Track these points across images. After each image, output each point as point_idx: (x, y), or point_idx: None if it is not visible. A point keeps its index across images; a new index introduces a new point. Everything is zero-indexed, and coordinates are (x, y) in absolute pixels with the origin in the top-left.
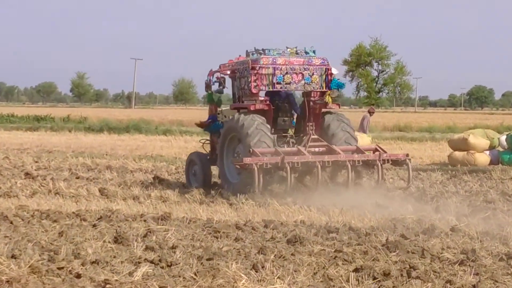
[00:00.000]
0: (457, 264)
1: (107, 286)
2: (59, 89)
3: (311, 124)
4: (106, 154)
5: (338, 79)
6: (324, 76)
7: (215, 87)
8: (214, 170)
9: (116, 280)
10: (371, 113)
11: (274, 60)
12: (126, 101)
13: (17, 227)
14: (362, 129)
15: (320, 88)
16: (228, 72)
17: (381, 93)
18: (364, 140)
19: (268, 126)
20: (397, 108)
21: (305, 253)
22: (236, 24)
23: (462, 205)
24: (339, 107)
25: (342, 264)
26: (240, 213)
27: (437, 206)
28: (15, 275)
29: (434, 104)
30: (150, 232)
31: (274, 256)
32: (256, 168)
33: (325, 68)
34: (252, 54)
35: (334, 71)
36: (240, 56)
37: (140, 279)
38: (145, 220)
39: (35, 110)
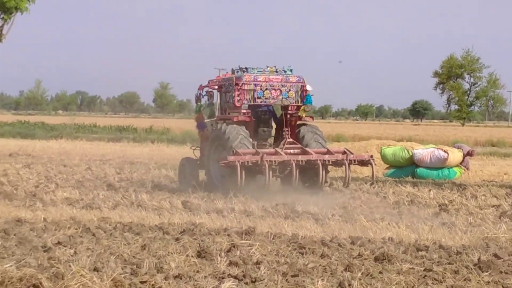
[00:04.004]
0: None
1: None
2: (142, 99)
3: (287, 129)
4: None
5: (312, 95)
6: (299, 92)
7: (204, 100)
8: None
9: None
10: (470, 154)
11: (256, 78)
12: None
13: (100, 239)
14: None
15: (296, 103)
16: (216, 87)
17: (472, 107)
18: (455, 154)
19: (248, 132)
20: (489, 123)
21: (394, 271)
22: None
23: None
24: (313, 120)
25: (432, 283)
26: (326, 229)
27: None
28: None
29: None
30: (234, 247)
31: (361, 274)
32: (238, 165)
33: (301, 85)
34: (237, 72)
35: (308, 88)
36: (226, 73)
37: None
38: (229, 235)
39: (117, 121)
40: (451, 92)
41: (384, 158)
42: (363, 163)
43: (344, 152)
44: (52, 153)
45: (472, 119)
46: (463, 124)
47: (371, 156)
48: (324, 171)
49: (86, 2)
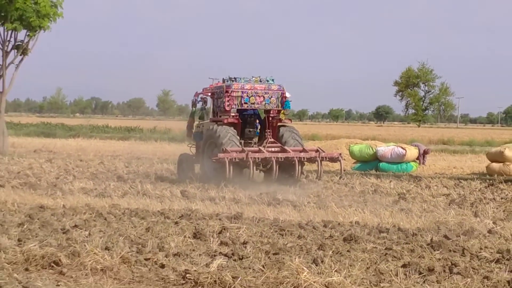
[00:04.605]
0: (493, 262)
1: (187, 275)
2: (147, 104)
3: (269, 131)
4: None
5: (290, 101)
6: (280, 99)
7: (199, 104)
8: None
9: (195, 270)
10: (426, 152)
11: (243, 86)
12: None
13: (110, 223)
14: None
15: (276, 107)
16: (209, 94)
17: (427, 111)
18: (412, 151)
19: (236, 131)
20: (441, 124)
21: (359, 250)
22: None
23: (499, 210)
24: (291, 121)
25: (392, 260)
26: (302, 214)
27: (476, 211)
28: (108, 264)
29: (474, 121)
30: (224, 229)
31: (332, 252)
32: (227, 161)
33: (281, 93)
34: (227, 81)
35: (287, 95)
36: (218, 82)
37: (215, 270)
38: (220, 219)
39: (126, 122)
40: (409, 99)
41: (352, 154)
42: (332, 159)
43: (317, 151)
44: (70, 149)
45: (427, 121)
46: (419, 126)
47: (340, 154)
48: (300, 166)
49: (100, 22)
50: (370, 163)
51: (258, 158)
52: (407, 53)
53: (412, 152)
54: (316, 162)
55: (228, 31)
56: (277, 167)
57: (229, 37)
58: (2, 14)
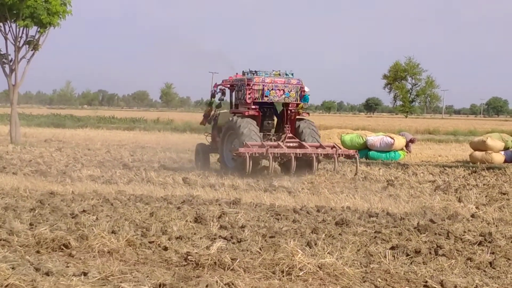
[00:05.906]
0: (476, 244)
1: (189, 257)
2: (151, 96)
3: (288, 126)
4: (189, 150)
5: (309, 95)
6: (299, 92)
7: (218, 96)
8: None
9: (196, 253)
10: (412, 141)
11: (264, 79)
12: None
13: (116, 208)
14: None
15: (295, 101)
16: (228, 86)
17: (414, 103)
18: (400, 140)
19: (257, 127)
20: (427, 115)
21: (350, 233)
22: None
23: (481, 196)
24: (309, 115)
25: (381, 243)
26: (297, 199)
27: (460, 196)
28: (114, 247)
29: (458, 112)
30: (223, 214)
31: (325, 235)
32: (247, 156)
33: (299, 87)
34: (247, 74)
35: (306, 89)
36: (237, 74)
37: (215, 252)
38: (219, 204)
39: (131, 114)
40: (397, 91)
41: (343, 143)
42: (349, 157)
43: (333, 147)
44: (78, 139)
45: (413, 113)
46: (406, 116)
47: (356, 152)
48: (317, 162)
49: (106, 19)
50: (361, 151)
51: (277, 153)
52: (395, 48)
53: (399, 141)
54: (333, 158)
55: (228, 26)
56: (295, 162)
57: (228, 32)
58: (14, 11)
